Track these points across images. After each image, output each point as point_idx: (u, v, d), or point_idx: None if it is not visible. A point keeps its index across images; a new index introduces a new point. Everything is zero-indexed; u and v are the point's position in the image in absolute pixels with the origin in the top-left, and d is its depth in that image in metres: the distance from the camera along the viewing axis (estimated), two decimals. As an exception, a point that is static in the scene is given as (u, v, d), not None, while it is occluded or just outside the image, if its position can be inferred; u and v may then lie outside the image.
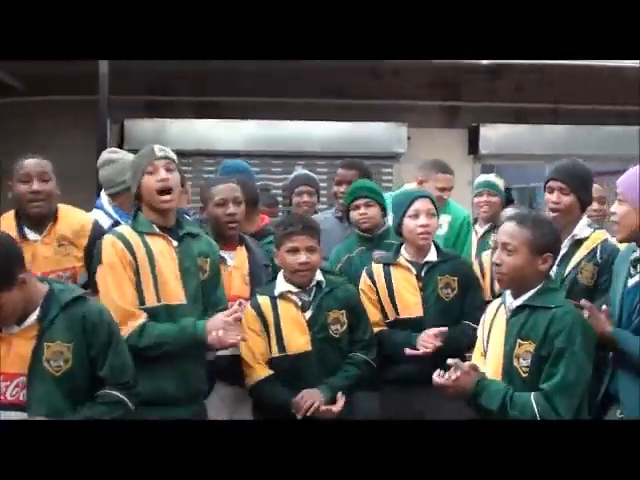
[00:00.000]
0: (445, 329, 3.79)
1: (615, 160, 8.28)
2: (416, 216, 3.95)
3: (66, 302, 2.93)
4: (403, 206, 4.00)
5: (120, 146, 7.60)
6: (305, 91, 8.61)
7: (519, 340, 3.10)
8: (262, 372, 3.69)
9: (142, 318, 3.39)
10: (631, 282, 3.27)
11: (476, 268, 4.30)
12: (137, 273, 3.43)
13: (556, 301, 3.12)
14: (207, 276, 3.62)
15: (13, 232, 3.67)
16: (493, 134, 9.19)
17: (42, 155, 3.99)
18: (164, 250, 3.50)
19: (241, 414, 3.88)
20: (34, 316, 2.89)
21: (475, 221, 5.51)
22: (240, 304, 3.63)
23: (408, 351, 3.80)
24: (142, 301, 3.43)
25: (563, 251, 3.64)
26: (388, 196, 4.59)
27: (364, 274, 4.05)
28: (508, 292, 3.24)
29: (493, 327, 3.26)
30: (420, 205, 3.97)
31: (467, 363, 3.19)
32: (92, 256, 3.60)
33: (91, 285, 3.59)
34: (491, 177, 5.63)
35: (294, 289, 3.73)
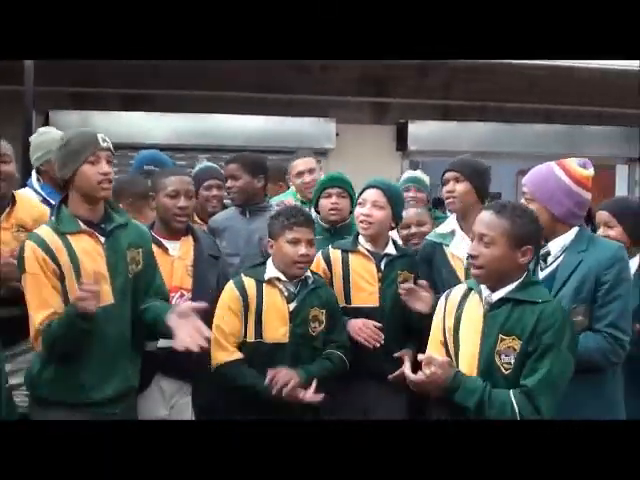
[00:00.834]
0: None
1: (540, 158, 8.36)
2: (362, 205, 3.97)
3: None
4: (358, 195, 4.06)
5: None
6: (234, 85, 8.54)
7: (501, 335, 2.91)
8: (233, 354, 3.63)
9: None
10: (542, 274, 3.35)
11: None
12: (62, 278, 3.29)
13: (542, 295, 2.96)
14: (141, 267, 3.52)
15: None
16: (421, 130, 9.26)
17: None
18: (89, 248, 3.36)
19: (180, 408, 3.86)
20: None
21: None
22: (182, 295, 3.59)
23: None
24: None
25: None
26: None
27: (319, 257, 4.01)
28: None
29: (464, 319, 3.06)
30: (367, 195, 3.98)
31: (442, 357, 2.98)
32: None
33: None
34: (417, 173, 5.64)
35: (283, 278, 3.70)
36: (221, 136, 8.69)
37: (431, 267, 4.05)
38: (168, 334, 3.31)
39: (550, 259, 3.35)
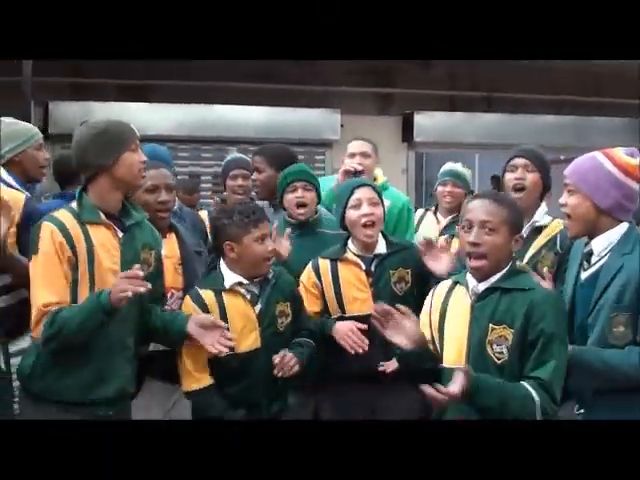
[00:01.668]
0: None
1: (547, 149, 8.31)
2: (358, 206, 3.79)
3: None
4: (344, 197, 3.83)
5: (45, 128, 7.50)
6: (238, 75, 8.45)
7: (492, 325, 2.86)
8: (202, 381, 3.48)
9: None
10: (584, 275, 3.14)
11: None
12: (75, 268, 3.18)
13: (529, 283, 2.92)
14: (151, 270, 3.39)
15: None
16: (427, 122, 9.19)
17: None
18: (106, 242, 3.25)
19: (178, 410, 3.72)
20: None
21: (436, 209, 5.27)
22: (172, 295, 3.51)
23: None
24: (75, 300, 3.18)
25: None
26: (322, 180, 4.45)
27: (309, 269, 3.87)
28: (469, 275, 3.01)
29: (449, 312, 3.02)
30: (361, 194, 3.81)
31: (462, 366, 2.81)
32: (24, 233, 3.40)
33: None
34: (458, 166, 5.23)
35: (244, 281, 3.53)
36: (225, 127, 8.63)
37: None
38: (178, 341, 3.41)
39: (594, 259, 3.11)
